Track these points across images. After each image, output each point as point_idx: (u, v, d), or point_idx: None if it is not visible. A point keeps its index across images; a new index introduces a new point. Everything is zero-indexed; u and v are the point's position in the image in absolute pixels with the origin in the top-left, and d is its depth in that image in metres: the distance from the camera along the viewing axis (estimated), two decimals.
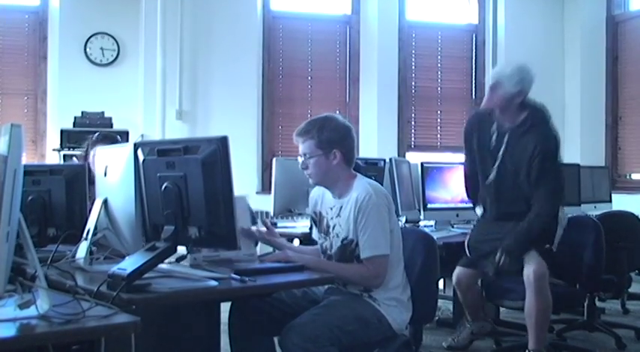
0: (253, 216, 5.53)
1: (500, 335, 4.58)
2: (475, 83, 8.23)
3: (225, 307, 2.66)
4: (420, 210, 4.50)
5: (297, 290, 2.80)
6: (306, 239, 3.86)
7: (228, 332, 2.69)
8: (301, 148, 2.81)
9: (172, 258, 2.20)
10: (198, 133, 6.99)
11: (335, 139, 2.78)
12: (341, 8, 7.92)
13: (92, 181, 3.39)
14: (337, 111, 7.75)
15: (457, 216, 4.65)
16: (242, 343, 2.70)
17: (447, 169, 4.76)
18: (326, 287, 2.83)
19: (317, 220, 2.95)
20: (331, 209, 2.85)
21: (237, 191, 2.15)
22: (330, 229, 2.85)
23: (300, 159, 2.82)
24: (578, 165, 5.69)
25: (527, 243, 3.69)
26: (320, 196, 2.94)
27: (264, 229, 2.93)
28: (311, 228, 3.08)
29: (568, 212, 5.04)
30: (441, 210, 4.58)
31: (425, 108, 8.11)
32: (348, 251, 2.76)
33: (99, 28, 7.10)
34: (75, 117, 6.57)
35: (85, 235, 2.57)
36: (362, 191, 2.73)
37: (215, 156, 2.12)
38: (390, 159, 4.74)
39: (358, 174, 2.86)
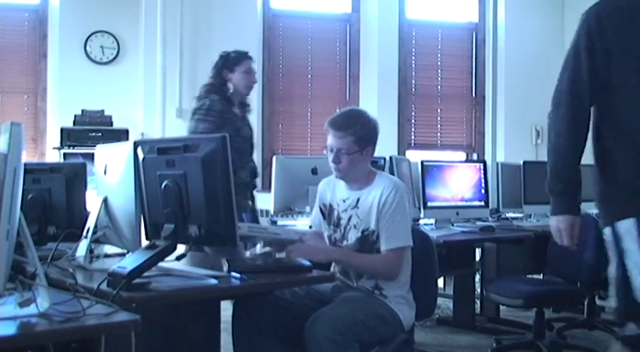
0: (255, 214, 5.55)
1: (501, 334, 4.60)
2: (475, 81, 8.23)
3: (225, 305, 2.66)
4: (420, 209, 4.50)
5: (299, 289, 2.79)
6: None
7: (231, 331, 2.67)
8: (336, 143, 2.79)
9: (172, 256, 2.20)
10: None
11: (371, 137, 2.86)
12: (341, 7, 7.91)
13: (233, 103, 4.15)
14: (337, 109, 7.74)
15: (457, 214, 4.65)
16: (245, 343, 2.68)
17: (447, 168, 4.77)
18: (331, 285, 2.82)
19: (326, 212, 2.94)
20: (344, 201, 2.85)
21: None
22: (343, 221, 2.84)
23: (330, 153, 2.80)
24: None
25: None
26: (330, 188, 2.94)
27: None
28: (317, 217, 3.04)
29: None
30: (441, 209, 4.58)
31: (425, 106, 8.11)
32: (368, 242, 2.78)
33: (99, 27, 7.09)
34: (75, 116, 6.56)
35: (85, 233, 2.58)
36: (389, 183, 2.78)
37: (215, 154, 2.12)
38: (390, 158, 4.74)
39: (379, 170, 2.91)
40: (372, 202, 2.76)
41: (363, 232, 2.79)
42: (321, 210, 2.97)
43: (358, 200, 2.81)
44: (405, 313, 2.77)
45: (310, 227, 3.09)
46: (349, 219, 2.83)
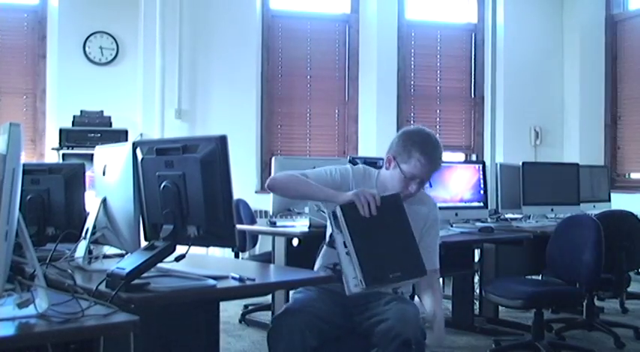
0: (252, 216, 5.56)
1: (500, 334, 4.59)
2: (474, 82, 8.24)
3: (224, 306, 2.66)
4: None
5: (336, 306, 2.68)
6: (306, 238, 3.86)
7: (267, 341, 2.58)
8: (430, 175, 2.73)
9: (171, 257, 2.19)
10: (197, 132, 6.99)
11: None
12: (340, 7, 7.92)
13: None
14: (336, 110, 7.76)
15: (456, 215, 4.65)
16: None
17: (446, 168, 4.75)
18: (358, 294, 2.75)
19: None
20: None
21: (236, 190, 2.14)
22: None
23: (413, 183, 2.71)
24: (577, 164, 5.70)
25: None
26: (359, 181, 2.80)
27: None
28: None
29: (567, 211, 5.08)
30: (440, 210, 4.54)
31: (424, 107, 8.12)
32: None
33: (98, 27, 7.09)
34: (74, 117, 6.56)
35: (83, 234, 2.57)
36: (430, 200, 2.85)
37: (214, 155, 2.11)
38: None
39: None
40: (415, 217, 2.71)
41: None
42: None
43: None
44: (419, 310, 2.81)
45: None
46: None
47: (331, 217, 2.50)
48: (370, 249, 2.45)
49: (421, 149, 2.69)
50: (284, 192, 2.90)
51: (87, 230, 2.56)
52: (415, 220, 2.71)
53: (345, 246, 2.45)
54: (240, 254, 5.42)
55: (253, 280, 2.27)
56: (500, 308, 4.95)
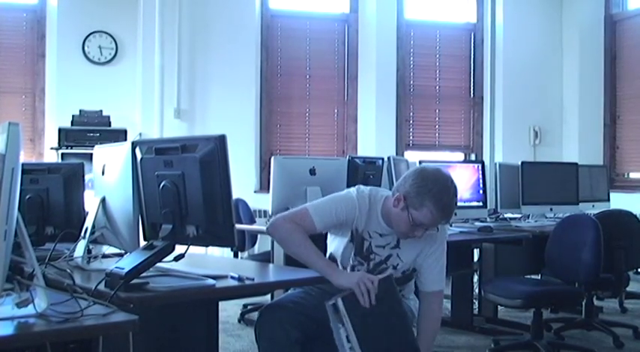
0: (252, 215, 5.55)
1: (499, 334, 4.60)
2: (473, 82, 8.24)
3: (223, 306, 2.66)
4: None
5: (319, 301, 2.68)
6: None
7: (255, 337, 2.63)
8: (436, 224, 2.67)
9: (170, 257, 2.19)
10: (197, 132, 6.99)
11: None
12: (339, 7, 7.92)
13: None
14: (335, 110, 7.76)
15: (455, 214, 4.63)
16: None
17: (445, 168, 4.74)
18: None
19: (353, 238, 2.76)
20: (381, 235, 2.73)
21: (235, 189, 2.14)
22: (376, 257, 2.73)
23: (420, 229, 2.62)
24: (576, 163, 5.71)
25: None
26: (364, 214, 2.72)
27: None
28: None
29: (566, 211, 5.08)
30: None
31: (423, 106, 8.12)
32: (407, 278, 2.80)
33: (97, 27, 7.09)
34: (73, 116, 6.57)
35: (83, 234, 2.57)
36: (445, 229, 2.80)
37: (213, 154, 2.11)
38: (389, 158, 4.74)
39: None
40: (423, 247, 2.73)
41: (404, 273, 2.76)
42: (351, 232, 2.76)
43: (399, 240, 2.72)
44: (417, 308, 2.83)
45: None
46: (387, 259, 2.73)
47: (331, 308, 2.42)
48: (374, 343, 2.38)
49: (435, 200, 2.55)
50: (282, 246, 2.76)
51: (86, 229, 2.56)
52: (413, 247, 2.73)
53: (349, 341, 2.37)
54: (240, 253, 5.42)
55: (252, 280, 2.27)
56: (499, 307, 4.95)
